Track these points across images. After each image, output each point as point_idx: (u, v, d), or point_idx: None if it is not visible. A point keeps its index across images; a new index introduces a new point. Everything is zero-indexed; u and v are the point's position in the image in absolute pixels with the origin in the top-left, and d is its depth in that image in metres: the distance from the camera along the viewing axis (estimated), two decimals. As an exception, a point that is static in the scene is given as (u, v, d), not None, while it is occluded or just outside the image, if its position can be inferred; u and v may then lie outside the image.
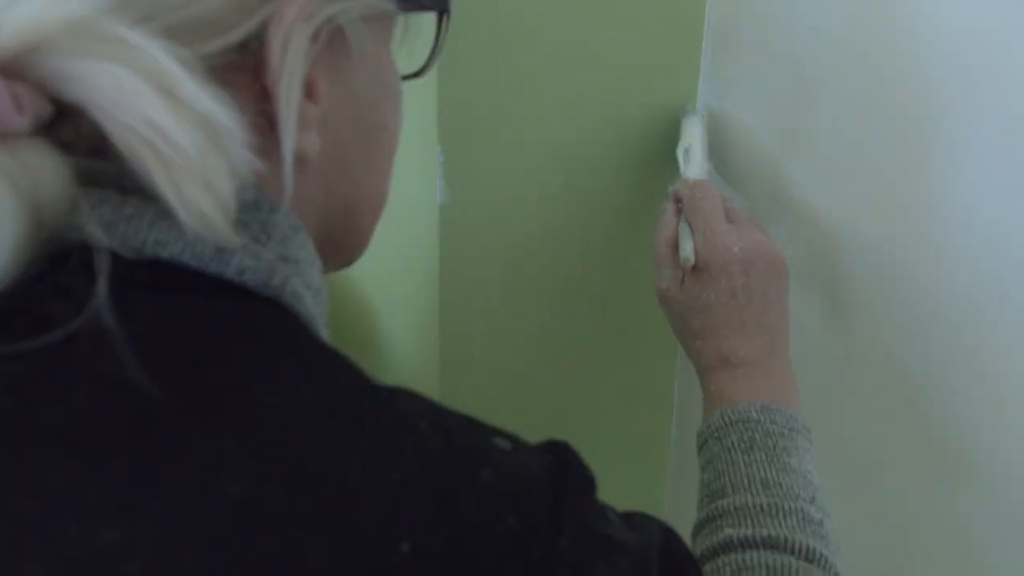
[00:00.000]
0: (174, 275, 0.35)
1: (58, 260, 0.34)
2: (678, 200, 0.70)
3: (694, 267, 0.65)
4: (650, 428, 0.91)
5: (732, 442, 0.58)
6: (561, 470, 0.37)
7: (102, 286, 0.32)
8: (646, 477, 0.93)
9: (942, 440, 0.67)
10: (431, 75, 0.54)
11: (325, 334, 0.40)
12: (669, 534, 0.43)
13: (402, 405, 0.36)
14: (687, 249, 0.66)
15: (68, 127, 0.35)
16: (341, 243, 0.47)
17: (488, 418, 0.81)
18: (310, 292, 0.39)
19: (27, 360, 0.32)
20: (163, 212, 0.34)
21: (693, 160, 0.73)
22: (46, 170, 0.33)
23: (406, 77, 0.48)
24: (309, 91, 0.40)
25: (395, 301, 0.82)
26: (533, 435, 0.84)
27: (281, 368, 0.35)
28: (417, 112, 0.68)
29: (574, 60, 0.72)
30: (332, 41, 0.41)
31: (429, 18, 0.48)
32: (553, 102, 0.73)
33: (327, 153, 0.42)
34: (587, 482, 0.39)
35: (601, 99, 0.75)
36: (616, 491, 0.89)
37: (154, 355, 0.33)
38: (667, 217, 0.69)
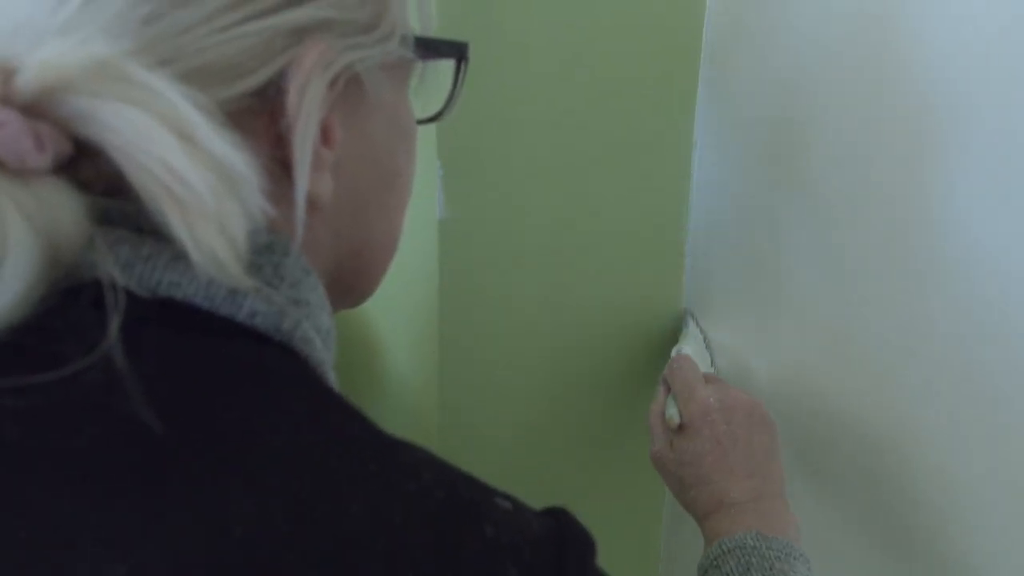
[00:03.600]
0: (186, 316, 0.36)
1: (72, 296, 0.34)
2: (666, 380, 0.76)
3: (680, 426, 0.71)
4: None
5: (730, 568, 0.59)
6: (563, 531, 0.38)
7: (114, 325, 0.33)
8: (643, 494, 0.93)
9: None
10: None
11: (333, 377, 0.41)
12: None
13: (406, 454, 0.37)
14: (671, 411, 0.73)
15: (88, 166, 0.35)
16: (351, 286, 0.47)
17: (487, 425, 0.81)
18: (320, 336, 0.40)
19: (39, 394, 0.32)
20: (179, 253, 0.35)
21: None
22: (64, 208, 0.33)
23: (422, 121, 0.49)
24: (325, 136, 0.40)
25: (395, 315, 0.82)
26: (531, 443, 0.84)
27: (288, 411, 0.35)
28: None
29: (573, 72, 0.72)
30: (349, 87, 0.41)
31: (447, 61, 0.48)
32: (552, 114, 0.73)
33: (340, 197, 0.42)
34: (588, 546, 0.39)
35: (601, 111, 0.75)
36: (614, 498, 0.88)
37: (163, 394, 0.33)
38: (658, 395, 0.76)
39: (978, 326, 0.62)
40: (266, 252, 0.38)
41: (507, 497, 0.38)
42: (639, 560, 0.94)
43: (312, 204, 0.40)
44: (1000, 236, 0.60)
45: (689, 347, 0.81)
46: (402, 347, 0.83)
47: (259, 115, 0.38)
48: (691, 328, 0.84)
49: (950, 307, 0.64)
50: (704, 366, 0.80)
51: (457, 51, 0.47)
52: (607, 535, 0.77)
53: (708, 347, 0.84)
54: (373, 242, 0.47)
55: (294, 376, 0.37)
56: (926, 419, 0.67)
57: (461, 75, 0.49)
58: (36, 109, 0.33)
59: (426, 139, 0.70)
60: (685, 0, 0.75)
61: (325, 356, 0.40)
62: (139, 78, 0.33)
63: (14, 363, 0.33)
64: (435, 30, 0.46)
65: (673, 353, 0.81)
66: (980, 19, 0.57)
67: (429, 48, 0.45)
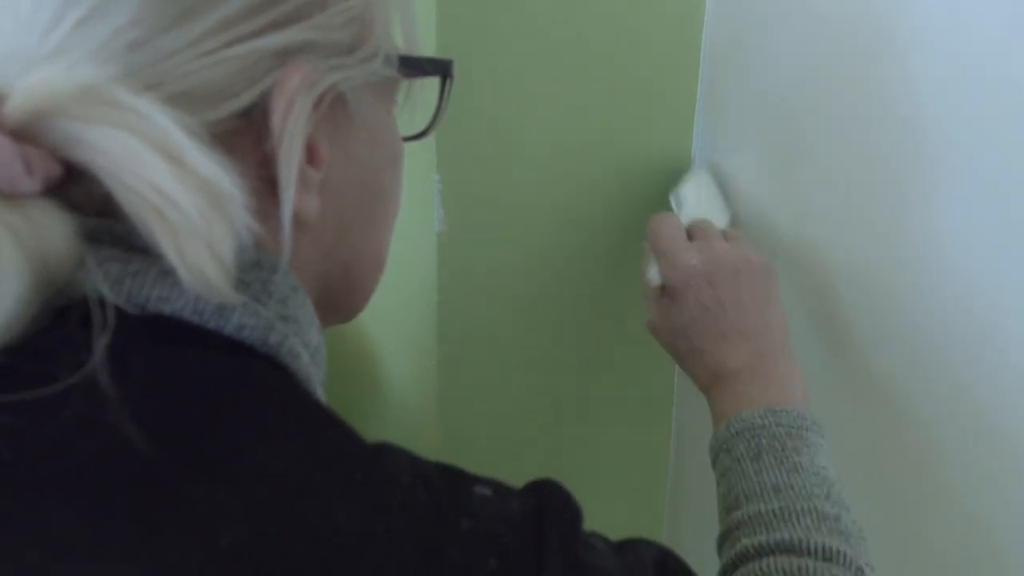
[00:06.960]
0: (175, 330, 0.36)
1: (63, 314, 0.35)
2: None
3: (664, 289, 0.67)
4: (649, 450, 0.91)
5: (740, 452, 0.57)
6: (543, 509, 0.39)
7: (100, 344, 0.33)
8: (645, 497, 0.93)
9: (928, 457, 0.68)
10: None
11: (321, 392, 0.41)
12: (665, 555, 0.44)
13: (388, 461, 0.37)
14: (651, 272, 0.67)
15: (78, 188, 0.36)
16: (340, 302, 0.48)
17: (486, 438, 0.81)
18: (308, 351, 0.40)
19: (29, 412, 0.33)
20: (167, 269, 0.35)
21: (686, 205, 0.75)
22: (54, 229, 0.34)
23: (408, 139, 0.49)
24: (311, 155, 0.41)
25: (394, 327, 0.83)
26: (531, 456, 0.84)
27: (275, 424, 0.36)
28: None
29: (572, 85, 0.73)
30: (334, 106, 0.41)
31: (432, 79, 0.48)
32: (551, 127, 0.73)
33: (327, 216, 0.43)
34: (571, 517, 0.40)
35: (600, 124, 0.75)
36: (615, 512, 0.89)
37: (151, 409, 0.34)
38: (645, 255, 0.70)
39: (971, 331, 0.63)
40: (254, 269, 0.39)
41: (488, 483, 0.39)
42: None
43: (299, 222, 0.41)
44: (994, 241, 0.60)
45: (690, 194, 0.74)
46: (401, 359, 0.83)
47: (245, 136, 0.39)
48: (696, 178, 0.76)
49: (942, 315, 0.64)
50: (715, 218, 0.73)
51: (441, 68, 0.48)
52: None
53: (722, 198, 0.76)
54: (360, 260, 0.47)
55: (281, 389, 0.38)
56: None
57: (446, 92, 0.49)
58: (25, 133, 0.33)
59: (425, 152, 0.70)
60: (683, 16, 0.76)
61: (313, 371, 0.41)
62: (127, 102, 0.34)
63: (5, 383, 0.34)
64: (421, 47, 0.47)
65: (671, 199, 0.75)
66: (976, 31, 0.58)
67: (413, 66, 0.45)
